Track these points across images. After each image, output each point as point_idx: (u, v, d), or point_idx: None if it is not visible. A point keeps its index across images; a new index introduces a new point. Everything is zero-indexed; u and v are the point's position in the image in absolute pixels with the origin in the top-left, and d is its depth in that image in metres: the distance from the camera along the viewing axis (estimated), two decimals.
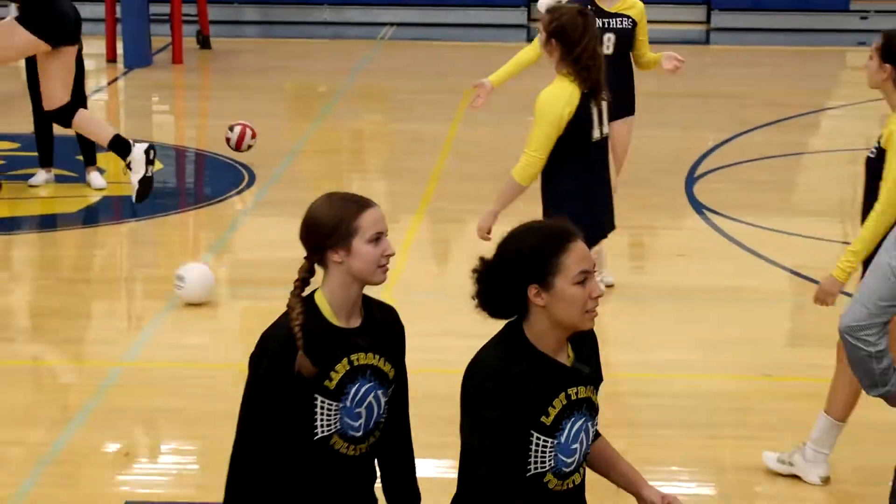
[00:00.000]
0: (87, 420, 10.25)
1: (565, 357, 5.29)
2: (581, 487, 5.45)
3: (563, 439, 5.21)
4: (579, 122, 9.37)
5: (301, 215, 15.19)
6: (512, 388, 5.11)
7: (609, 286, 11.91)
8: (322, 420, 5.46)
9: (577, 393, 5.26)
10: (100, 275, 13.47)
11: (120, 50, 22.61)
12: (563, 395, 5.20)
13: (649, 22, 11.97)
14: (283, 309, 12.21)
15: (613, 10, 11.72)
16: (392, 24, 26.20)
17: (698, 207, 15.15)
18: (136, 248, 14.40)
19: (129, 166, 12.12)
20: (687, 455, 9.69)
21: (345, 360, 5.46)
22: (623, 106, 11.91)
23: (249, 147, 15.97)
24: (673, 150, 16.76)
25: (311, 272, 5.58)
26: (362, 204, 5.60)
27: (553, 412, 5.17)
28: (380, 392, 5.58)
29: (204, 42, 23.95)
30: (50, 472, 9.43)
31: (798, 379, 9.65)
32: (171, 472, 9.68)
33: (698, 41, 24.96)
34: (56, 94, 12.04)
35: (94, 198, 15.54)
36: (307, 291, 5.63)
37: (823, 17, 25.21)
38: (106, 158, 16.81)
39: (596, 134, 9.52)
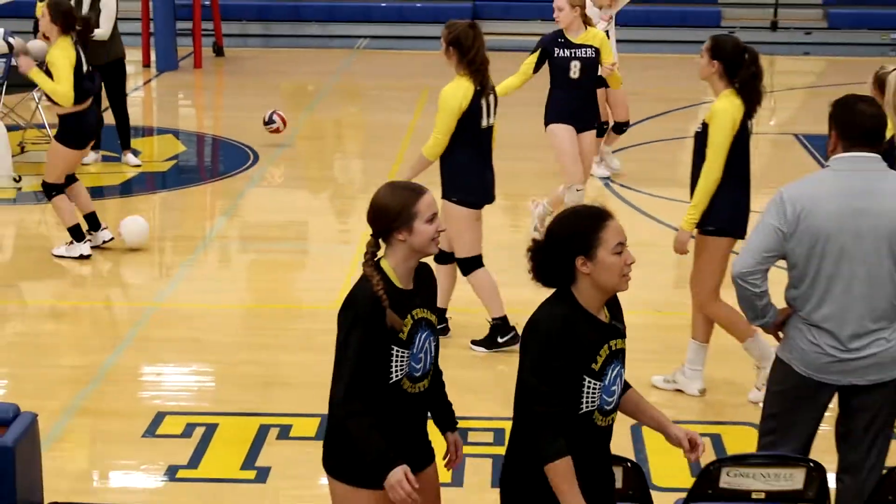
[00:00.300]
0: (128, 347, 10.24)
1: (604, 316, 5.28)
2: (613, 426, 5.43)
3: (606, 382, 5.20)
4: (472, 113, 9.51)
5: (297, 188, 15.20)
6: (573, 341, 5.10)
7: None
8: (396, 366, 5.40)
9: (616, 344, 5.26)
10: None
11: (153, 57, 22.48)
12: (606, 346, 5.19)
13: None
14: (283, 260, 12.28)
15: (578, 42, 11.61)
16: (366, 37, 26.08)
17: (603, 179, 15.13)
18: (166, 213, 14.33)
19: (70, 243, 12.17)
20: None
21: (409, 317, 5.41)
22: (588, 120, 11.88)
23: (271, 121, 16.01)
24: None
25: (378, 247, 5.46)
26: (418, 191, 5.48)
27: (600, 360, 5.16)
28: (431, 338, 5.56)
29: (218, 51, 23.81)
30: (99, 388, 9.43)
31: (681, 313, 9.67)
32: (192, 389, 9.68)
33: None
34: (57, 172, 11.93)
35: (132, 173, 15.46)
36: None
37: (700, 31, 25.07)
38: (142, 143, 16.79)
39: (484, 123, 9.65)
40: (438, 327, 10.19)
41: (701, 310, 9.08)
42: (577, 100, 11.76)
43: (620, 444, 8.47)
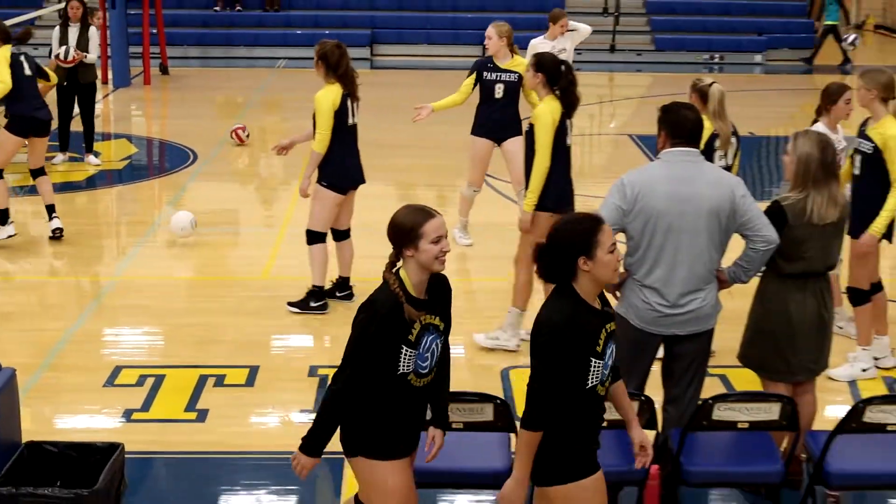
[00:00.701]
0: (91, 313, 10.09)
1: (598, 304, 5.13)
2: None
3: (606, 359, 5.07)
4: (342, 113, 9.61)
5: (229, 181, 15.05)
6: (580, 330, 4.97)
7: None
8: (404, 362, 5.15)
9: (610, 327, 5.12)
10: (99, 220, 13.25)
11: (110, 75, 22.20)
12: (604, 330, 5.06)
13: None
14: (218, 241, 12.13)
15: (504, 67, 11.39)
16: (285, 58, 25.92)
17: None
18: (122, 203, 14.15)
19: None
20: None
21: (418, 321, 5.16)
22: (511, 130, 11.69)
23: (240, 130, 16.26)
24: (461, 137, 16.69)
25: (398, 258, 5.19)
26: (428, 214, 5.15)
27: (601, 342, 5.02)
28: (438, 340, 5.29)
29: (164, 70, 23.58)
30: (67, 348, 9.29)
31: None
32: (144, 346, 9.52)
33: None
34: (2, 157, 11.76)
35: (93, 171, 15.27)
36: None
37: None
38: (102, 146, 16.58)
39: (350, 121, 9.75)
40: (343, 294, 10.28)
41: (517, 271, 9.16)
42: (499, 115, 11.59)
43: (492, 384, 8.51)
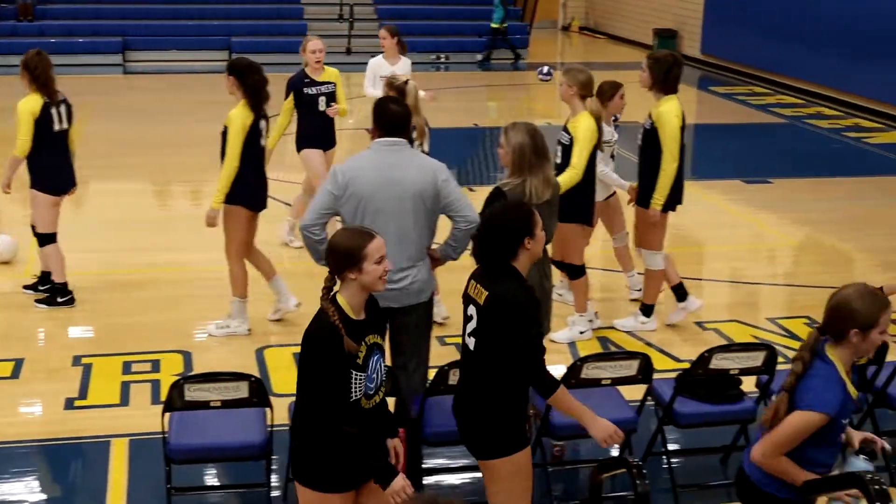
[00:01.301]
0: None
1: None
2: None
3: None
4: (45, 120, 9.29)
5: (24, 189, 14.24)
6: (536, 303, 5.09)
7: None
8: (355, 387, 4.69)
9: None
10: None
11: None
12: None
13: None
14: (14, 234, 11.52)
15: (320, 80, 11.08)
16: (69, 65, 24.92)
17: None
18: None
19: None
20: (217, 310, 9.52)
21: (363, 343, 4.74)
22: (331, 140, 11.39)
23: None
24: (211, 133, 16.36)
25: (334, 282, 4.79)
26: (369, 235, 4.79)
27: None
28: (381, 359, 4.90)
29: None
30: None
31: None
32: None
33: (220, 71, 24.44)
34: None
35: None
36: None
37: (292, 55, 25.16)
38: None
39: (56, 127, 9.43)
40: (66, 299, 9.83)
41: (229, 263, 9.02)
42: (324, 126, 11.24)
43: (246, 364, 8.37)
